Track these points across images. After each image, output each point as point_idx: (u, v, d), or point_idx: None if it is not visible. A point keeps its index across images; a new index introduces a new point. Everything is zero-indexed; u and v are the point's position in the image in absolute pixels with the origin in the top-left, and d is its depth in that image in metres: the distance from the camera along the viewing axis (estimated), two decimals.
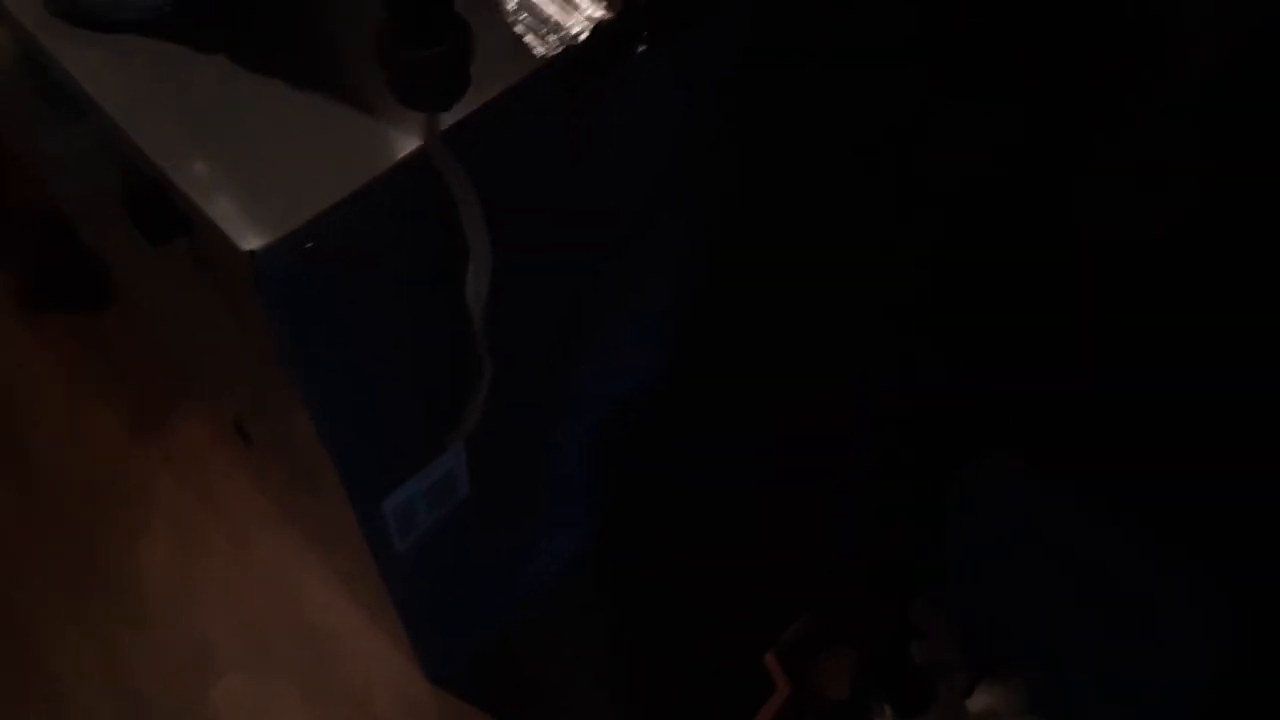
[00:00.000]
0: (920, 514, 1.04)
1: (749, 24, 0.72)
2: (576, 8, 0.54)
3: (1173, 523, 0.95)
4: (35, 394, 1.33)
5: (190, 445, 1.31)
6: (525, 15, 0.54)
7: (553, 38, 0.53)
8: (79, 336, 1.37)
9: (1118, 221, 1.07)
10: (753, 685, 1.03)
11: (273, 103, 0.50)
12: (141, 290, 1.08)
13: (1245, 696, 0.94)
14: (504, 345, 0.63)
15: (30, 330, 1.36)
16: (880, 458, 1.17)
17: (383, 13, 0.39)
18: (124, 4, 0.49)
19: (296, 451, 0.80)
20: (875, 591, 1.03)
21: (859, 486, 1.19)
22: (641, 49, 0.58)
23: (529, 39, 0.53)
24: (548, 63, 0.53)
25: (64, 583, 1.22)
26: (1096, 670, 0.91)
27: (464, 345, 0.61)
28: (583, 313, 0.80)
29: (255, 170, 0.48)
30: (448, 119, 0.48)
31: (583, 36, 0.54)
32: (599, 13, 0.54)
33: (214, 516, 1.27)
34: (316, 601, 1.22)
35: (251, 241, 0.45)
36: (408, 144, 0.48)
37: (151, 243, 0.53)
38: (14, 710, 1.16)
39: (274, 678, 1.17)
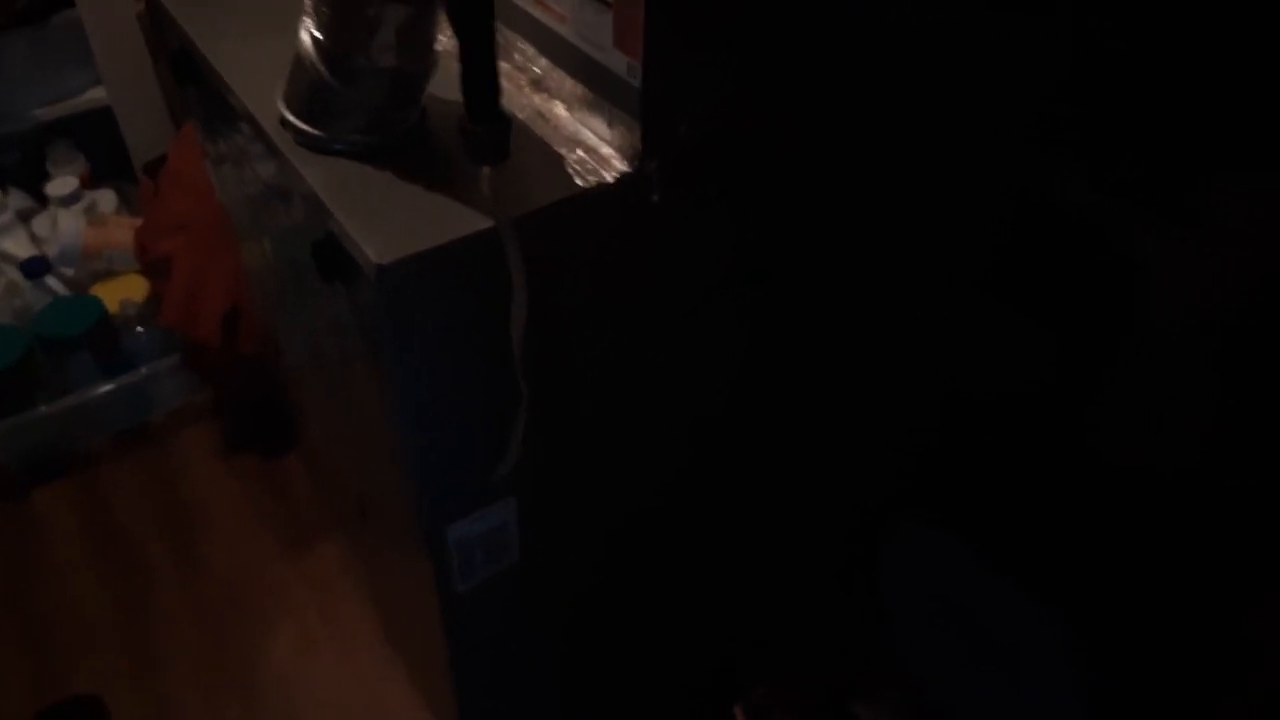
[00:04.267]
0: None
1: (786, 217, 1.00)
2: (608, 162, 0.85)
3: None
4: (217, 513, 1.67)
5: (325, 570, 1.58)
6: (575, 156, 0.85)
7: (592, 178, 0.84)
8: (261, 474, 1.72)
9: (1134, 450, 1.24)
10: None
11: (413, 195, 0.82)
12: (312, 422, 1.41)
13: None
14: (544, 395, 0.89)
15: (225, 464, 1.73)
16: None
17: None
18: (336, 140, 0.84)
19: (387, 494, 1.06)
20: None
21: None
22: (655, 199, 0.88)
23: (575, 176, 0.84)
24: (583, 192, 0.83)
25: (203, 660, 1.47)
26: None
27: (513, 381, 0.87)
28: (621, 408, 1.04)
29: (395, 230, 0.78)
30: (513, 213, 0.78)
31: (610, 178, 0.84)
32: (624, 168, 0.85)
33: (330, 626, 1.51)
34: (399, 709, 1.42)
35: (382, 258, 0.75)
36: (486, 222, 0.79)
37: (325, 280, 0.84)
38: None
39: None
